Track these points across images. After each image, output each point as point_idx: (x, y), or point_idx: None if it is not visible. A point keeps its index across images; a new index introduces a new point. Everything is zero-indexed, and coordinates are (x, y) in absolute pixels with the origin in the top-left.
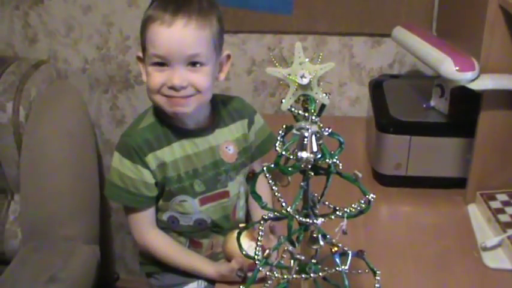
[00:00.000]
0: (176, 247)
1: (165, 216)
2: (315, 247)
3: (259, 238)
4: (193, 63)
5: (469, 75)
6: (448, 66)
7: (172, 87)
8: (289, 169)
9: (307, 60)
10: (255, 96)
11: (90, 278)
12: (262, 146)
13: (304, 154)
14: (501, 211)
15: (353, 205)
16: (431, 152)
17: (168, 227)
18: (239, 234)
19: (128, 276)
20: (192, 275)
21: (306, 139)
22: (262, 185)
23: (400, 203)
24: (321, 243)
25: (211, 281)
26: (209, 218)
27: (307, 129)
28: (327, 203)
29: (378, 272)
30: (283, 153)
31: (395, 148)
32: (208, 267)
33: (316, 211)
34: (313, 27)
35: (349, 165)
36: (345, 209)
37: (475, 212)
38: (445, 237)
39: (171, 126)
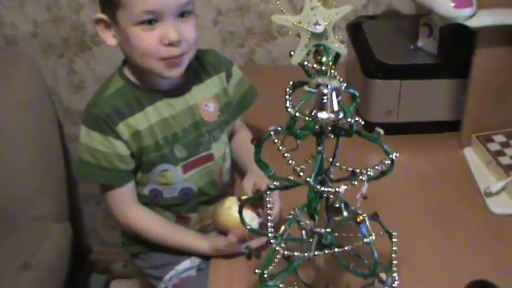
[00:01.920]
0: (163, 223)
1: (146, 190)
2: (337, 218)
3: (268, 211)
4: (182, 14)
5: (467, 11)
6: (444, 3)
7: (170, 44)
8: (302, 132)
9: (319, 4)
10: (223, 48)
11: (65, 259)
12: (243, 100)
13: (324, 115)
14: (501, 153)
15: (374, 166)
16: (423, 95)
17: (151, 201)
18: (241, 206)
19: (101, 247)
20: (183, 253)
21: (325, 97)
22: (244, 140)
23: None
24: (345, 213)
25: (205, 257)
26: (195, 186)
27: (326, 86)
28: (342, 166)
29: (394, 233)
30: (297, 114)
31: (385, 94)
32: (202, 243)
33: (331, 176)
34: None
35: None
36: (365, 171)
37: (473, 156)
38: (445, 185)
39: (142, 88)
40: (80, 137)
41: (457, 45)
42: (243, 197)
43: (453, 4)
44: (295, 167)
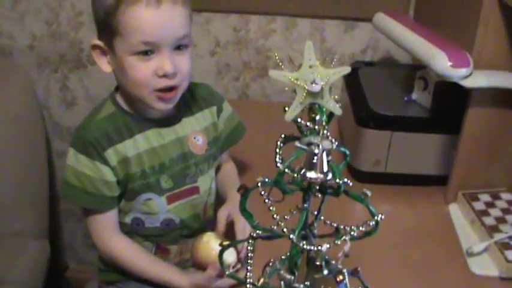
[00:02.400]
0: (143, 255)
1: (128, 219)
2: (317, 276)
3: (249, 261)
4: (179, 46)
5: (463, 71)
6: (441, 61)
7: (165, 75)
8: (290, 187)
9: (317, 63)
10: (218, 80)
11: (40, 276)
12: (231, 135)
13: (313, 174)
14: (485, 213)
15: (359, 226)
16: (413, 148)
17: (132, 230)
18: (222, 251)
19: (78, 265)
20: (160, 286)
21: (315, 157)
22: (228, 170)
23: (378, 201)
24: (325, 272)
25: None
26: (177, 218)
27: (318, 146)
28: (326, 220)
29: None
30: (287, 170)
31: (375, 144)
32: (181, 278)
33: (315, 231)
34: (283, 7)
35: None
36: (349, 230)
37: (457, 213)
38: (427, 240)
39: (133, 116)
40: (67, 159)
41: (451, 101)
42: (225, 243)
43: (450, 63)
44: (280, 222)
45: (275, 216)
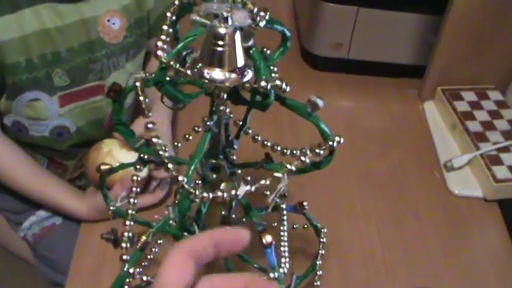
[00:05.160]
0: (28, 166)
1: (7, 121)
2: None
3: (131, 200)
4: None
5: None
6: None
7: None
8: (183, 95)
9: None
10: None
11: None
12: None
13: (217, 74)
14: (470, 116)
15: (302, 154)
16: (383, 29)
17: (14, 137)
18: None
19: None
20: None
21: (221, 42)
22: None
23: (338, 94)
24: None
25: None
26: (73, 125)
27: (225, 19)
28: (256, 136)
29: (323, 230)
30: (172, 64)
31: (336, 23)
32: (76, 202)
33: (233, 156)
34: None
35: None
36: (286, 153)
37: (435, 113)
38: (396, 147)
39: None
40: None
41: None
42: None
43: None
44: (160, 148)
45: (155, 140)
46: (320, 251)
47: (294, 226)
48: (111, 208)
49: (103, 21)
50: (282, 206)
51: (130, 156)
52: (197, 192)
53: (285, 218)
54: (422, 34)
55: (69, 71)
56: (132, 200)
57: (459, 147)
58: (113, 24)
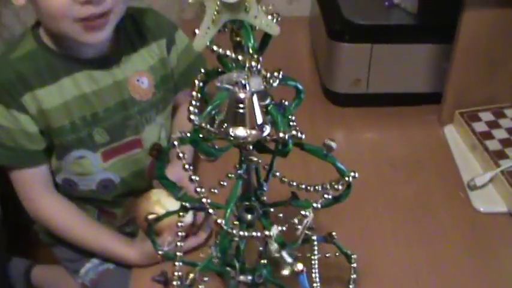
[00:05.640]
0: (82, 221)
1: (58, 179)
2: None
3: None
4: None
5: None
6: None
7: (88, 1)
8: (215, 149)
9: None
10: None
11: None
12: (188, 71)
13: (240, 132)
14: (488, 136)
15: (324, 192)
16: (398, 62)
17: (66, 192)
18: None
19: None
20: None
21: (241, 105)
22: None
23: (360, 128)
24: (288, 259)
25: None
26: (117, 177)
27: (244, 86)
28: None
29: (353, 256)
30: (203, 125)
31: (352, 60)
32: (127, 248)
33: (264, 198)
34: None
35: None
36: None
37: (455, 136)
38: (420, 171)
39: (58, 55)
40: None
41: (441, 2)
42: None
43: None
44: (205, 198)
45: (198, 189)
46: (352, 276)
47: (326, 255)
48: (160, 252)
49: (133, 82)
50: (312, 237)
51: (178, 204)
52: (235, 232)
53: (315, 248)
54: (436, 62)
55: (107, 129)
56: (179, 244)
57: (480, 166)
58: (142, 83)
